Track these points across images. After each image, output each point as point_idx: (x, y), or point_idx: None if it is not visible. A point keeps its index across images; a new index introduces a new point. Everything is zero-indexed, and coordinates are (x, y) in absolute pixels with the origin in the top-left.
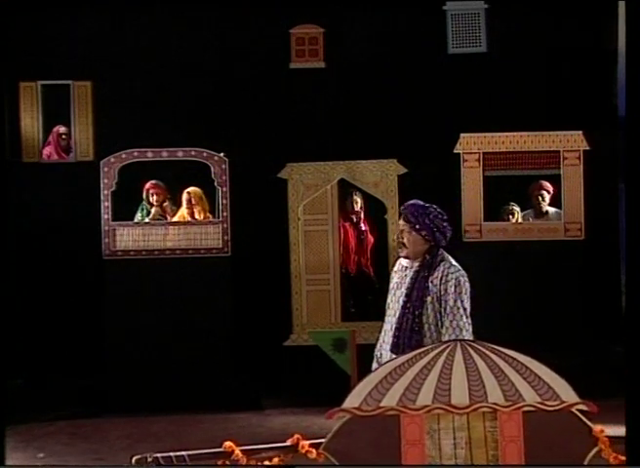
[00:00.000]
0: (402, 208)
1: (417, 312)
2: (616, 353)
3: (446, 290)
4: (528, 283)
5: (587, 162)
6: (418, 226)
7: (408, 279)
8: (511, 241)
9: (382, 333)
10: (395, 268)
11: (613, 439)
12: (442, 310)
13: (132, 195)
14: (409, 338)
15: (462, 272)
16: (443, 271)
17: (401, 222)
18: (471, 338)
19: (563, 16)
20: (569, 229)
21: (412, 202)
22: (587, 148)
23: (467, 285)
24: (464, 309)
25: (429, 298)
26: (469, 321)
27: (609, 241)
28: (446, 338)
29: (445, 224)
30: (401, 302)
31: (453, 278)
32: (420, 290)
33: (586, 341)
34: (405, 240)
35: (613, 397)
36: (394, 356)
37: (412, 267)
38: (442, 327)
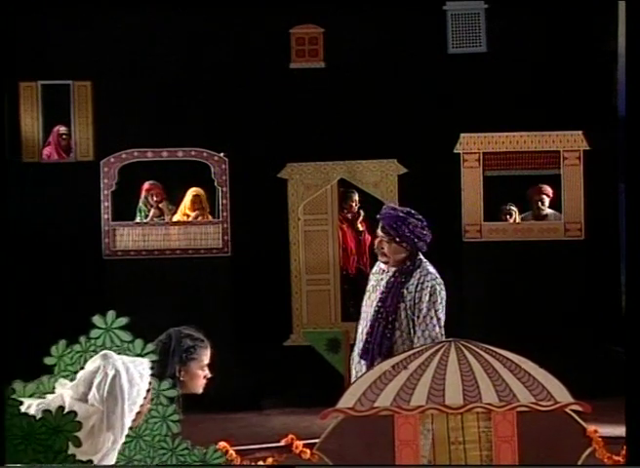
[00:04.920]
0: (380, 216)
1: (390, 318)
2: (616, 353)
3: (420, 298)
4: (528, 283)
5: (587, 162)
6: (398, 239)
7: (384, 283)
8: (511, 241)
9: (357, 337)
10: (373, 270)
11: (607, 439)
12: (415, 318)
13: (132, 195)
14: (379, 345)
15: (439, 280)
16: (419, 278)
17: (380, 233)
18: None
19: (563, 16)
20: (569, 229)
21: (388, 211)
22: (587, 148)
23: (443, 293)
24: (438, 319)
25: (403, 305)
26: (442, 331)
27: (609, 241)
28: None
29: (425, 232)
30: (375, 307)
31: (428, 286)
32: (395, 296)
33: (586, 341)
34: (385, 250)
35: (612, 397)
36: (364, 361)
37: (388, 271)
38: (414, 335)
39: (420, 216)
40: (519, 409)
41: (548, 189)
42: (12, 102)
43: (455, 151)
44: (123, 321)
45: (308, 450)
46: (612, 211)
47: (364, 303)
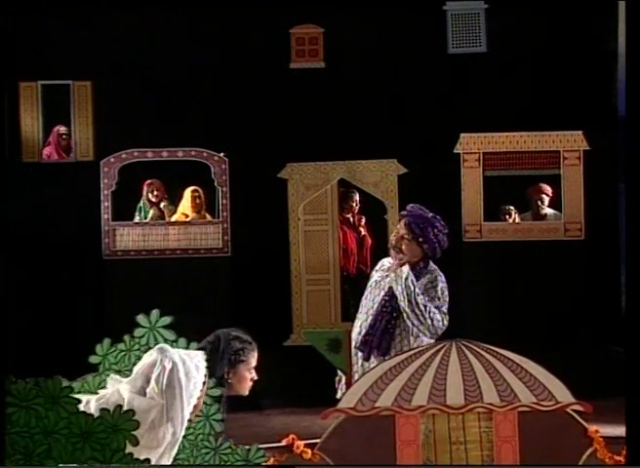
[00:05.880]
0: (406, 212)
1: (394, 314)
2: (616, 353)
3: (431, 294)
4: (528, 283)
5: (587, 162)
6: (421, 239)
7: (389, 280)
8: (511, 241)
9: (354, 330)
10: (377, 267)
11: (608, 439)
12: (426, 306)
13: (132, 195)
14: (379, 338)
15: (446, 283)
16: (429, 278)
17: (402, 230)
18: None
19: (563, 16)
20: (569, 229)
21: (416, 210)
22: (587, 148)
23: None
24: (445, 313)
25: None
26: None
27: (609, 241)
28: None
29: (446, 239)
30: (379, 301)
31: (440, 286)
32: None
33: (586, 341)
34: (404, 248)
35: (612, 397)
36: (360, 353)
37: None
38: (431, 324)
39: (444, 224)
40: (520, 408)
41: (548, 188)
42: (12, 102)
43: (455, 151)
44: (167, 320)
45: (309, 450)
46: (612, 211)
47: (364, 298)
